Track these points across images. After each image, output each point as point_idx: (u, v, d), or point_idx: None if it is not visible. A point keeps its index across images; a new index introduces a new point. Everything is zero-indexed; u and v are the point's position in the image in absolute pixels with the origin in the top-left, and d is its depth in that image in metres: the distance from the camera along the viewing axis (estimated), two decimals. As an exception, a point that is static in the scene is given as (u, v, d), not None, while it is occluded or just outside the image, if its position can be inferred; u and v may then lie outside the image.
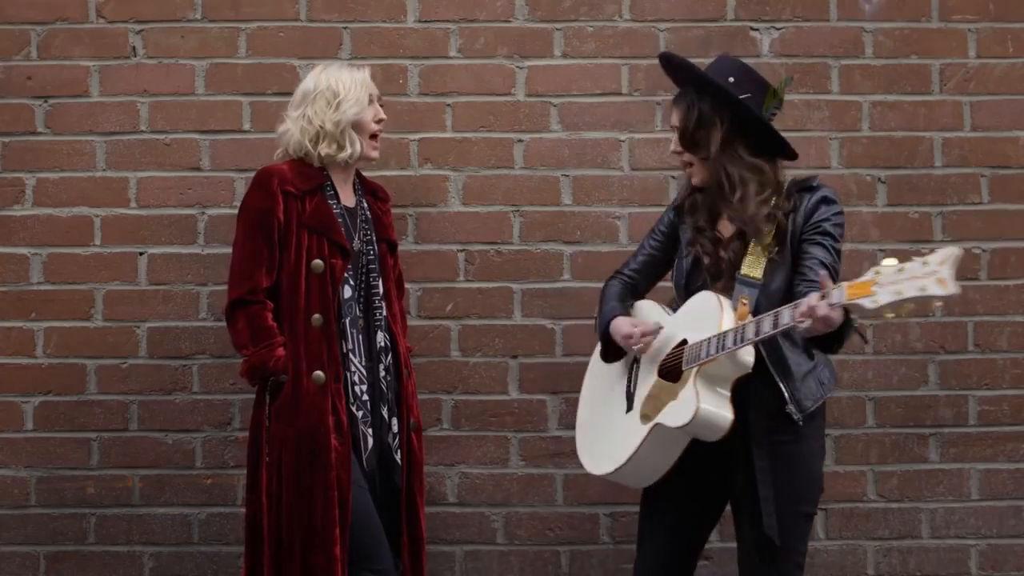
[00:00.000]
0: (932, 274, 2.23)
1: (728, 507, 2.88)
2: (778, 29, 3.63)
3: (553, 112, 3.63)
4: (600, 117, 3.62)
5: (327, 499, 2.88)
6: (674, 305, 2.91)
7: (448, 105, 3.62)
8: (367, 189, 3.22)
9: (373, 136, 3.12)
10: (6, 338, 3.58)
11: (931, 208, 3.64)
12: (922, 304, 2.24)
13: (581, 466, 3.56)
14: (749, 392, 2.68)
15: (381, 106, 3.16)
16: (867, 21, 3.64)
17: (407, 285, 3.50)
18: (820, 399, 2.74)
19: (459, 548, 3.61)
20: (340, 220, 3.05)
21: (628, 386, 2.91)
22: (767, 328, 2.52)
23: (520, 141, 3.63)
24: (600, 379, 3.03)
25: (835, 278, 2.64)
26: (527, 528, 3.61)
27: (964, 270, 3.61)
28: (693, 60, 3.56)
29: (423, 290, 3.61)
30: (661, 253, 3.00)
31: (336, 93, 3.04)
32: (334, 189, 3.08)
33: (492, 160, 3.62)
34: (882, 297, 2.27)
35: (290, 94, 3.52)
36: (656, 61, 3.59)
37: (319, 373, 2.93)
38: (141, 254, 3.59)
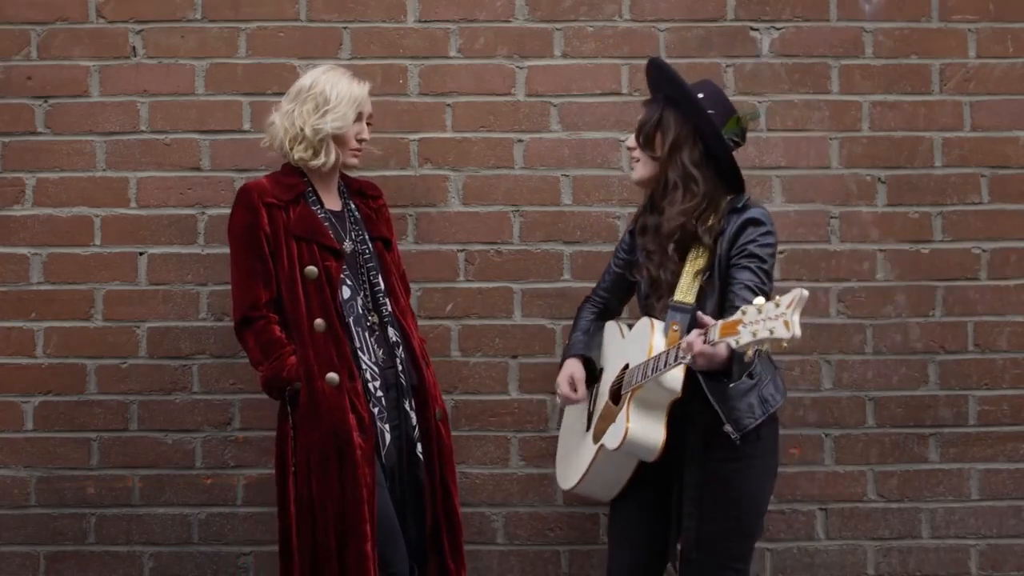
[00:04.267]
0: (780, 316, 2.33)
1: None
2: (778, 29, 3.63)
3: (553, 112, 3.63)
4: (600, 117, 3.62)
5: (356, 496, 2.89)
6: None
7: (448, 105, 3.62)
8: (353, 190, 3.22)
9: (354, 150, 3.12)
10: (6, 338, 3.58)
11: (931, 208, 3.64)
12: (775, 344, 2.35)
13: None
14: (688, 411, 2.74)
15: (369, 124, 3.16)
16: (867, 21, 3.64)
17: (407, 285, 3.51)
18: (761, 416, 2.76)
19: (459, 548, 3.61)
20: (327, 224, 3.06)
21: (590, 406, 3.05)
22: (671, 360, 2.60)
23: (520, 141, 3.63)
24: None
25: (767, 297, 2.66)
26: (527, 528, 3.61)
27: (964, 270, 3.63)
28: (693, 60, 3.60)
29: (423, 290, 3.61)
30: (625, 271, 3.07)
31: (327, 100, 3.03)
32: (316, 195, 3.09)
33: (492, 160, 3.62)
34: (743, 337, 2.38)
35: (290, 94, 3.56)
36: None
37: (332, 375, 2.93)
38: (141, 254, 3.59)
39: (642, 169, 2.89)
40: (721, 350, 2.47)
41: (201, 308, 3.58)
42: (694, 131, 2.80)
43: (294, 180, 3.08)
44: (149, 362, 3.58)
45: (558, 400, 3.07)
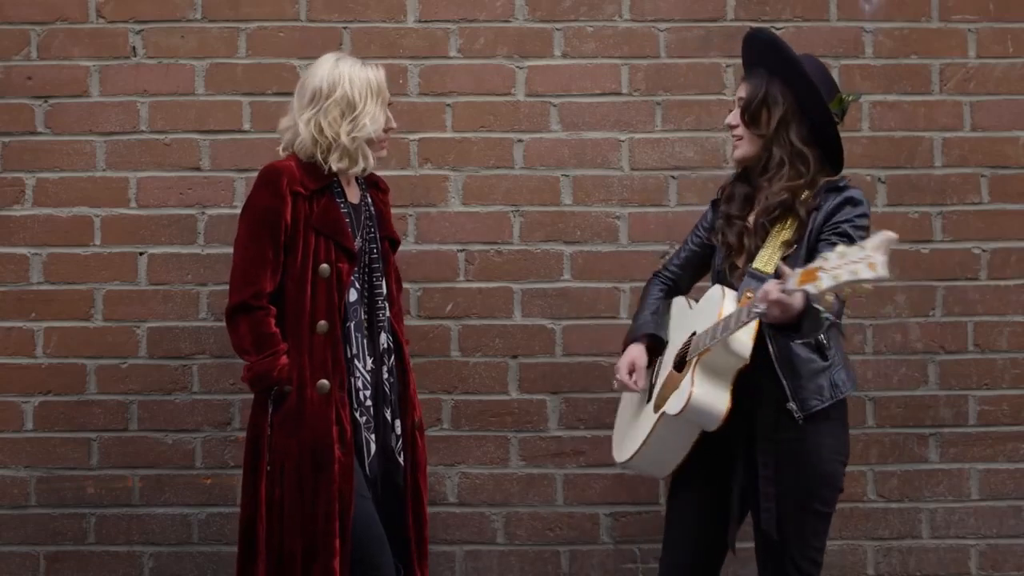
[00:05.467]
0: (866, 258, 2.29)
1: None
2: (778, 29, 3.62)
3: (553, 112, 3.63)
4: (600, 117, 3.63)
5: (328, 511, 2.82)
6: None
7: (448, 105, 3.62)
8: (370, 182, 3.11)
9: (383, 142, 3.02)
10: (6, 338, 3.58)
11: (931, 208, 3.64)
12: (857, 287, 2.31)
13: (581, 466, 3.60)
14: (757, 386, 2.70)
15: (389, 105, 3.03)
16: (867, 21, 3.64)
17: (406, 285, 3.51)
18: (829, 400, 2.72)
19: (459, 548, 3.61)
20: (347, 220, 2.95)
21: (651, 378, 2.95)
22: (743, 316, 2.57)
23: (520, 141, 3.63)
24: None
25: None
26: (527, 528, 3.61)
27: (964, 270, 3.62)
28: (693, 60, 3.60)
29: (423, 290, 3.61)
30: (702, 250, 3.01)
31: (353, 105, 2.89)
32: (341, 187, 2.98)
33: (492, 160, 3.62)
34: (824, 282, 2.33)
35: (290, 94, 3.53)
36: (656, 61, 3.63)
37: (324, 382, 2.85)
38: (141, 254, 3.59)
39: (746, 147, 2.83)
40: (797, 300, 2.42)
41: (201, 308, 3.58)
42: (799, 107, 2.76)
43: (322, 169, 2.93)
44: (149, 362, 3.58)
45: (615, 384, 2.97)
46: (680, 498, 2.91)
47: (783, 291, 2.42)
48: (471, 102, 3.62)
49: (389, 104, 3.03)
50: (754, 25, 3.61)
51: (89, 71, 3.59)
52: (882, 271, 2.27)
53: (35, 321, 3.57)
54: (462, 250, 3.62)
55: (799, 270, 2.41)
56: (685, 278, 3.07)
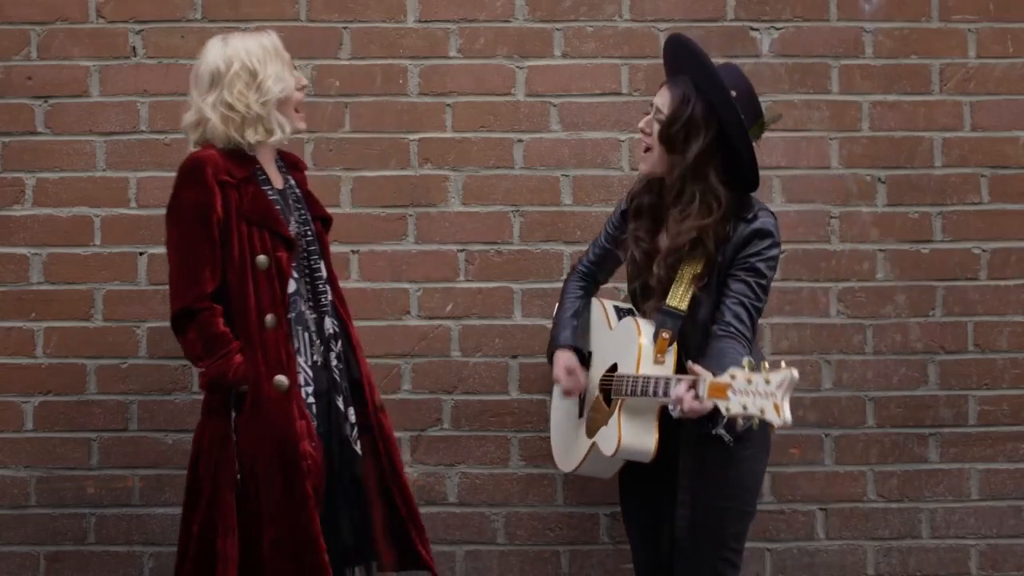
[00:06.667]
0: (771, 396, 2.34)
1: None
2: (778, 29, 3.63)
3: (553, 112, 3.63)
4: (600, 117, 3.63)
5: (307, 509, 2.70)
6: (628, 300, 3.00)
7: (448, 105, 3.62)
8: (289, 164, 2.99)
9: (298, 104, 2.89)
10: (6, 338, 3.58)
11: (931, 208, 3.64)
12: (762, 421, 2.38)
13: (581, 466, 3.58)
14: None
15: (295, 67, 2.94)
16: (867, 21, 3.64)
17: (407, 285, 3.51)
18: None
19: (459, 548, 3.61)
20: (278, 207, 2.82)
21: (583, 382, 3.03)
22: (660, 393, 2.61)
23: (520, 141, 3.63)
24: None
25: (753, 318, 2.67)
26: (527, 528, 3.61)
27: (964, 270, 3.62)
28: (693, 60, 3.60)
29: (423, 290, 3.61)
30: (614, 247, 3.03)
31: (254, 72, 2.77)
32: (265, 173, 2.85)
33: (492, 160, 3.63)
34: (734, 406, 2.40)
35: (290, 94, 3.54)
36: (656, 61, 3.61)
37: (281, 378, 2.71)
38: (141, 254, 3.59)
39: (655, 164, 2.74)
40: (708, 404, 2.47)
41: (201, 308, 3.58)
42: (721, 135, 2.66)
43: (245, 154, 2.81)
44: (149, 362, 3.58)
45: (557, 387, 3.08)
46: (626, 500, 3.01)
47: (695, 397, 2.48)
48: (471, 102, 3.62)
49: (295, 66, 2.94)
50: (754, 25, 3.62)
51: (89, 71, 3.59)
52: (787, 417, 2.33)
53: (35, 321, 3.57)
54: (462, 250, 3.62)
55: (709, 380, 2.45)
56: (601, 273, 3.15)
